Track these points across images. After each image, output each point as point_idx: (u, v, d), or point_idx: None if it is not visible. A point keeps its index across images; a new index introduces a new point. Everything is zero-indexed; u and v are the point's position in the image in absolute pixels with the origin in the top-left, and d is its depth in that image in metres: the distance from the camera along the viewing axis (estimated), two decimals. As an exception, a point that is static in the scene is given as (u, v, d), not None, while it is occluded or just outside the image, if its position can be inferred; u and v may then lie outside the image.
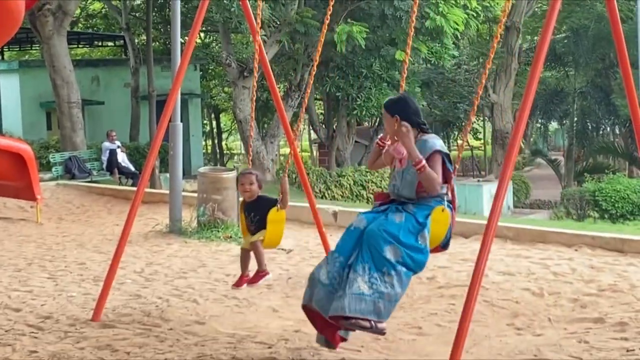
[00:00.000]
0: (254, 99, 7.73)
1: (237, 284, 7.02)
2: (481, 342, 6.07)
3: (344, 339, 5.73)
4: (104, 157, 21.78)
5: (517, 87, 33.27)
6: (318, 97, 31.48)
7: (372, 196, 6.60)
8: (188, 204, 12.78)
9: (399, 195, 5.62)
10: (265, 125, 37.54)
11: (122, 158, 21.88)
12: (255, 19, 7.94)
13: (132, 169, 22.02)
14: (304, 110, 7.51)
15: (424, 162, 5.34)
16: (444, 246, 5.61)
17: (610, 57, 33.03)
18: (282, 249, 10.28)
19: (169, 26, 32.70)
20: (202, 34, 35.25)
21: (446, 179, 5.55)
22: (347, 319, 5.21)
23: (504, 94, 32.66)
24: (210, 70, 38.86)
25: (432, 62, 24.79)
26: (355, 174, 25.56)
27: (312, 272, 5.63)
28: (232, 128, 48.39)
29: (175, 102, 8.44)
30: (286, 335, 6.43)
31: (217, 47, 36.09)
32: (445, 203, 5.50)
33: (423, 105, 28.33)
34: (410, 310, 7.19)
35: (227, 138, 51.52)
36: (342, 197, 24.77)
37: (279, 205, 6.57)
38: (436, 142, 5.55)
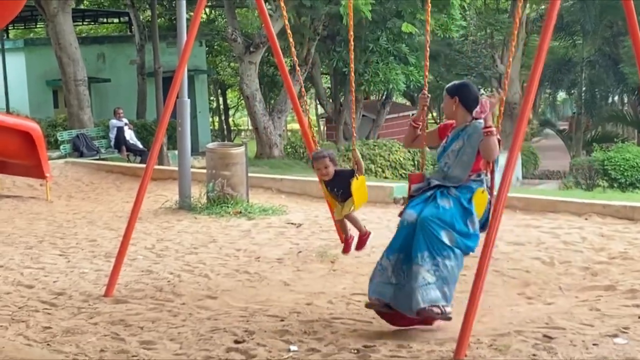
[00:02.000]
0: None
1: (345, 250, 7.37)
2: (492, 311, 6.11)
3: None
4: (112, 135, 21.77)
5: (525, 57, 33.07)
6: (325, 71, 31.37)
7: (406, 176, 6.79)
8: (197, 180, 12.79)
9: (448, 174, 5.83)
10: (272, 101, 37.47)
11: (129, 135, 21.88)
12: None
13: (140, 146, 22.01)
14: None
15: (493, 129, 5.60)
16: (482, 227, 5.76)
17: (619, 24, 32.78)
18: (292, 223, 10.32)
19: (173, 2, 32.67)
20: (207, 10, 35.11)
21: (488, 166, 5.79)
22: (420, 311, 5.49)
23: (512, 65, 32.49)
24: (216, 46, 38.73)
25: (439, 34, 24.61)
26: (363, 148, 25.52)
27: (375, 270, 5.86)
28: (239, 104, 48.26)
29: (182, 78, 8.42)
30: (298, 308, 6.47)
31: (222, 22, 35.97)
32: (484, 186, 5.72)
33: (430, 79, 28.19)
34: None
35: (234, 114, 51.40)
36: (350, 170, 24.73)
37: (357, 175, 6.81)
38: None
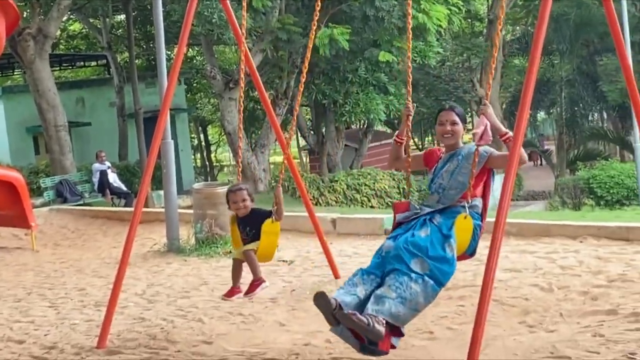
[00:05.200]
0: (242, 109, 7.62)
1: (228, 295, 6.87)
2: (494, 342, 5.98)
3: (393, 346, 5.42)
4: (95, 179, 21.62)
5: (503, 79, 33.24)
6: (305, 103, 31.40)
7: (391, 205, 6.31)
8: (184, 221, 12.65)
9: (442, 195, 5.70)
10: (254, 135, 37.42)
11: (113, 178, 21.73)
12: (241, 28, 7.87)
13: (124, 188, 21.89)
14: (294, 123, 7.39)
15: (510, 133, 5.43)
16: (470, 254, 5.65)
17: (594, 42, 33.04)
18: (284, 261, 10.18)
19: (151, 42, 32.76)
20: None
21: (484, 191, 5.72)
22: (352, 315, 5.03)
23: (491, 87, 32.65)
24: (195, 84, 38.76)
25: (417, 61, 24.67)
26: (348, 178, 25.46)
27: (346, 282, 5.44)
28: (221, 140, 48.27)
29: (165, 120, 8.31)
30: (296, 349, 6.32)
31: (200, 60, 36.02)
32: (468, 210, 5.52)
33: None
34: (420, 315, 7.07)
35: (215, 150, 51.38)
36: (336, 202, 24.65)
37: (274, 217, 6.48)
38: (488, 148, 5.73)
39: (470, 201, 5.57)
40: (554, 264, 8.35)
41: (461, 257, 5.59)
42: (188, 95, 36.66)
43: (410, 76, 6.27)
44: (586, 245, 9.18)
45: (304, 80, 7.33)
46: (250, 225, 6.55)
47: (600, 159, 29.96)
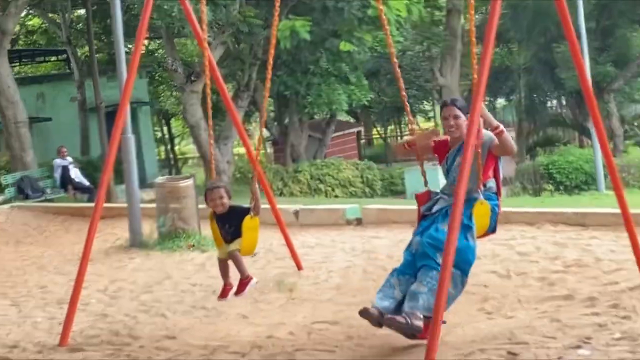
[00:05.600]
0: (210, 107, 7.62)
1: (222, 295, 7.03)
2: (454, 330, 6.06)
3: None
4: (57, 174, 21.42)
5: (463, 68, 33.41)
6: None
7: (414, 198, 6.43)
8: (147, 216, 12.58)
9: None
10: (217, 127, 37.29)
11: (75, 173, 21.55)
12: (200, 23, 7.86)
13: (87, 183, 21.69)
14: (264, 118, 7.37)
15: (502, 126, 5.70)
16: (492, 231, 6.00)
17: (552, 30, 33.27)
18: (247, 253, 10.20)
19: (111, 36, 32.45)
20: (146, 41, 34.95)
21: (495, 174, 5.98)
22: (390, 319, 5.51)
23: (451, 76, 32.83)
24: (157, 77, 38.52)
25: (378, 50, 24.73)
26: (312, 169, 25.55)
27: (383, 286, 5.85)
28: (184, 132, 48.03)
29: (125, 115, 8.29)
30: (259, 342, 6.37)
31: (162, 53, 35.82)
32: (481, 195, 5.79)
33: (372, 97, 28.30)
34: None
35: (179, 142, 51.14)
36: (300, 192, 24.72)
37: (252, 213, 6.64)
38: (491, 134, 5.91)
39: (485, 185, 5.85)
40: (512, 250, 8.48)
41: (483, 235, 5.93)
42: (150, 88, 36.41)
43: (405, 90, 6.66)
44: (543, 231, 9.32)
45: (269, 76, 7.33)
46: (229, 222, 6.69)
47: (560, 145, 30.26)
